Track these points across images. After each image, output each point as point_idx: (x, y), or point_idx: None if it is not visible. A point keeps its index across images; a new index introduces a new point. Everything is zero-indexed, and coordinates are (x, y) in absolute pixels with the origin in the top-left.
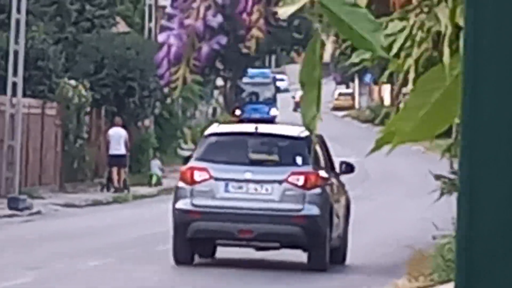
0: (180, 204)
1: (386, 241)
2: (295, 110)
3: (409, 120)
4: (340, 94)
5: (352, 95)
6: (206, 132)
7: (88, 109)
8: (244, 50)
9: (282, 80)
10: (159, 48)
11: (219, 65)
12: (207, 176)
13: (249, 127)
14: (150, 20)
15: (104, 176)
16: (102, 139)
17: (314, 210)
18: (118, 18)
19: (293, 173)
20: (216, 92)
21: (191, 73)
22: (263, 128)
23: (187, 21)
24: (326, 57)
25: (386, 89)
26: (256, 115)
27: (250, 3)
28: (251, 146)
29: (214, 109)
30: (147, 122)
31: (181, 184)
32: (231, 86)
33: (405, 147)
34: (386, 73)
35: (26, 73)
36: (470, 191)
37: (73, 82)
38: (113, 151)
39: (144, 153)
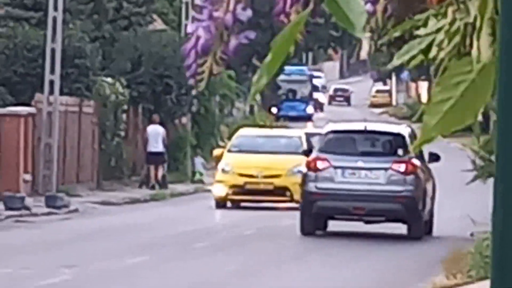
0: (307, 187)
1: (426, 237)
2: (329, 103)
3: (435, 114)
4: (377, 91)
5: (389, 92)
6: (325, 130)
7: (125, 107)
8: None
9: (319, 77)
10: (187, 39)
11: (256, 62)
12: (327, 165)
13: (359, 126)
14: (186, 18)
15: (141, 173)
16: (140, 137)
17: (412, 191)
18: (154, 16)
19: (395, 162)
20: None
21: (218, 66)
22: (370, 126)
23: (216, 14)
24: (363, 54)
25: (423, 86)
26: (293, 113)
27: (288, 3)
28: (362, 140)
29: (251, 107)
30: (184, 119)
31: (307, 171)
32: (268, 83)
33: (442, 144)
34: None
35: (63, 71)
36: (505, 187)
37: (110, 80)
38: (151, 148)
39: (181, 151)
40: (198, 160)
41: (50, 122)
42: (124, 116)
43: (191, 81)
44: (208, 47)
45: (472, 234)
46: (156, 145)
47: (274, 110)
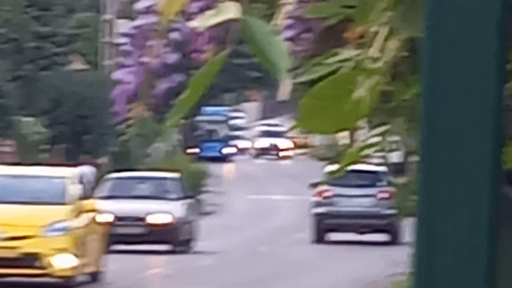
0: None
1: (345, 280)
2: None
3: (312, 109)
4: (301, 132)
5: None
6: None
7: (46, 146)
8: None
9: (241, 118)
10: (115, 85)
11: (174, 102)
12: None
13: None
14: (105, 58)
15: None
16: None
17: None
18: (75, 56)
19: None
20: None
21: (147, 110)
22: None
23: (143, 59)
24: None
25: None
26: (211, 153)
27: (202, 42)
28: None
29: (174, 147)
30: (104, 159)
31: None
32: (186, 124)
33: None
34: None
35: None
36: (427, 227)
37: (30, 119)
38: None
39: None
40: None
41: None
42: (45, 155)
43: (122, 125)
44: (137, 92)
45: (391, 275)
46: None
47: (193, 150)
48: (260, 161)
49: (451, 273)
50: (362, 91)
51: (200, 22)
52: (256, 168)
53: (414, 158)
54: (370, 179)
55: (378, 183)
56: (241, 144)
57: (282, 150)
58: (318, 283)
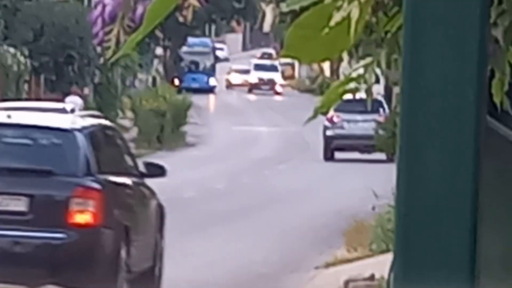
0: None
1: (327, 211)
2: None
3: (298, 38)
4: (281, 64)
5: (292, 65)
6: None
7: (27, 77)
8: (180, 19)
9: (221, 49)
10: (94, 7)
11: (158, 33)
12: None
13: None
14: None
15: None
16: None
17: None
18: None
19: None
20: (156, 61)
21: (125, 34)
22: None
23: None
24: (266, 27)
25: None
26: (195, 85)
27: None
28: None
29: (154, 78)
30: (86, 90)
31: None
32: (171, 55)
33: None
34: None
35: None
36: (408, 161)
37: (12, 49)
38: None
39: None
40: None
41: None
42: (26, 86)
43: (99, 49)
44: (115, 14)
45: (373, 208)
46: None
47: (176, 81)
48: (250, 95)
49: (434, 204)
50: (340, 15)
51: None
52: (242, 100)
53: (397, 90)
54: (373, 106)
55: (380, 110)
56: (232, 78)
57: (277, 85)
58: (309, 211)
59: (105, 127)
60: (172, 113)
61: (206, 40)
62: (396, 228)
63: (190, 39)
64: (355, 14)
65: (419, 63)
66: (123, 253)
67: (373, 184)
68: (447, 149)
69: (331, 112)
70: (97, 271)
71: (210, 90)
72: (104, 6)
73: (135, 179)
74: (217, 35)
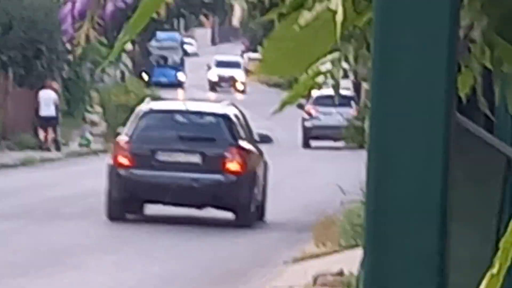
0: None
1: (295, 206)
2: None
3: (275, 51)
4: (249, 59)
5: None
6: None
7: None
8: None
9: (190, 44)
10: (64, 3)
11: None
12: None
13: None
14: None
15: (9, 139)
16: (10, 101)
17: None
18: None
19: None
20: (124, 56)
21: (94, 31)
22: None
23: None
24: (235, 22)
25: None
26: (164, 79)
27: None
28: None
29: (122, 73)
30: (55, 85)
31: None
32: (140, 50)
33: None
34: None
35: None
36: (377, 158)
37: None
38: (42, 112)
39: None
40: (85, 127)
41: None
42: None
43: (68, 46)
44: (85, 12)
45: (342, 202)
46: (47, 109)
47: (145, 76)
48: (210, 93)
49: (404, 201)
50: (310, 14)
51: None
52: (203, 98)
53: (365, 86)
54: (345, 100)
55: (352, 104)
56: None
57: (239, 82)
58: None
59: (238, 112)
60: None
61: (175, 34)
62: (366, 225)
63: (159, 34)
64: (339, 12)
65: (389, 59)
66: (255, 189)
67: (344, 168)
68: (417, 145)
69: (309, 106)
70: (240, 199)
71: (179, 85)
72: (73, 3)
73: (253, 144)
74: (186, 29)
